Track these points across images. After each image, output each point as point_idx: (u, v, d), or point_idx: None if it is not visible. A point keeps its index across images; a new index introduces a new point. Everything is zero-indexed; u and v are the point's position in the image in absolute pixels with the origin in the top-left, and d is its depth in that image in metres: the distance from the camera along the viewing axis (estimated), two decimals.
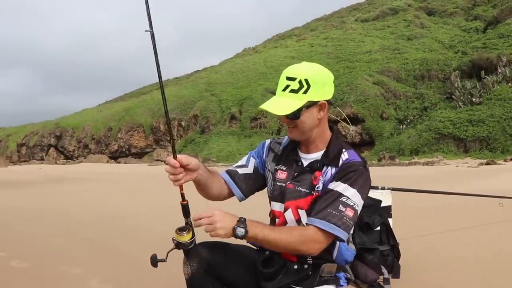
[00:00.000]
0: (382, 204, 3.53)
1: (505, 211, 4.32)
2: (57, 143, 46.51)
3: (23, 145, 50.00)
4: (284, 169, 1.93)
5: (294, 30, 60.19)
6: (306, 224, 1.74)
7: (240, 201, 2.06)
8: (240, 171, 2.04)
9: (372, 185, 3.75)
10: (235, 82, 39.51)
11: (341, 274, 1.93)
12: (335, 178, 1.77)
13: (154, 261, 1.86)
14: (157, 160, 31.13)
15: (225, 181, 2.03)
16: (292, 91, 1.75)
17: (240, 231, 1.63)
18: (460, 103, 24.25)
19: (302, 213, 1.82)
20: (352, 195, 1.72)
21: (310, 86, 1.75)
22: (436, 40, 36.09)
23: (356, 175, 1.75)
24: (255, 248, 1.97)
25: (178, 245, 1.75)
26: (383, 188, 3.65)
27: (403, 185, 4.44)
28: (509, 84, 23.83)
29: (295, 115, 1.76)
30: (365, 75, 30.58)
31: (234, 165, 2.09)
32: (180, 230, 1.75)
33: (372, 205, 3.49)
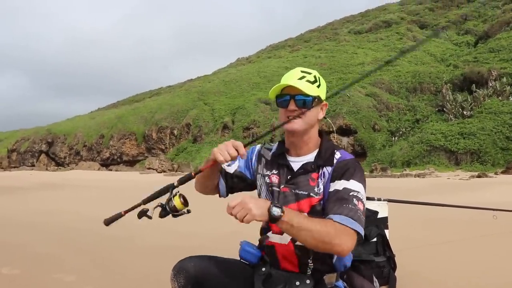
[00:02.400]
0: (379, 215, 3.53)
1: (499, 224, 4.34)
2: (48, 149, 46.08)
3: (14, 151, 49.46)
4: (276, 173, 1.92)
5: (288, 40, 60.50)
6: (328, 218, 1.69)
7: (220, 197, 2.12)
8: (227, 169, 2.06)
9: (367, 196, 3.77)
10: (228, 92, 39.54)
11: (340, 283, 1.93)
12: (335, 177, 1.79)
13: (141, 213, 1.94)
14: (149, 169, 30.94)
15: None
16: (309, 81, 1.81)
17: (276, 210, 1.55)
18: (452, 116, 24.46)
19: None
20: (358, 188, 1.75)
21: (320, 84, 1.84)
22: (428, 53, 36.48)
23: (354, 169, 1.79)
24: (246, 263, 1.95)
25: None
26: (379, 199, 3.65)
27: (396, 196, 4.46)
28: (500, 97, 24.11)
29: (309, 104, 1.80)
30: (357, 86, 30.75)
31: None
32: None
33: (368, 216, 3.49)
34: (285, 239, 1.84)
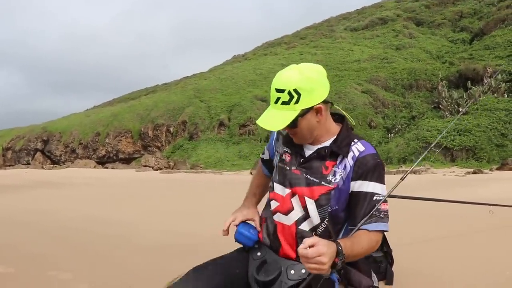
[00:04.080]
0: None
1: (495, 219, 4.36)
2: (44, 147, 45.90)
3: (9, 149, 49.27)
4: (290, 152, 1.91)
5: (284, 38, 60.38)
6: (362, 229, 1.74)
7: None
8: (264, 157, 2.17)
9: None
10: (224, 89, 39.48)
11: (334, 276, 1.92)
12: (360, 176, 1.77)
13: None
14: (145, 166, 30.85)
15: (265, 174, 2.17)
16: (284, 103, 1.74)
17: (340, 260, 1.59)
18: (447, 113, 24.52)
19: (309, 202, 1.80)
20: (381, 190, 1.79)
21: (300, 95, 1.72)
22: (424, 50, 36.52)
23: (379, 170, 1.80)
24: (244, 249, 1.95)
25: None
26: None
27: (393, 192, 4.45)
28: (495, 94, 24.18)
29: (292, 125, 1.76)
30: (354, 83, 30.79)
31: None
32: None
33: None
34: (290, 220, 1.83)
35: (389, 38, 41.69)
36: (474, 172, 16.83)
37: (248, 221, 2.05)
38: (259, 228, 2.00)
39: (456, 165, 20.92)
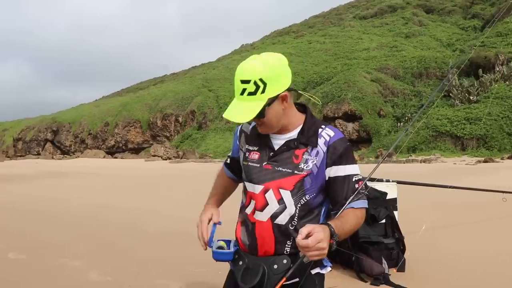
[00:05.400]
0: (388, 197, 3.48)
1: (508, 207, 4.29)
2: (53, 138, 46.28)
3: (20, 140, 49.74)
4: (256, 149, 1.88)
5: (292, 26, 60.02)
6: (349, 208, 1.74)
7: (238, 183, 2.12)
8: (230, 154, 2.11)
9: (376, 177, 3.71)
10: (233, 78, 39.10)
11: (326, 261, 1.90)
12: (335, 161, 1.76)
13: None
14: (154, 156, 30.99)
15: (228, 176, 2.11)
16: (250, 93, 1.72)
17: (334, 245, 1.59)
18: (458, 101, 24.27)
19: (284, 193, 1.78)
20: (356, 170, 1.79)
21: (266, 84, 1.71)
22: (434, 38, 36.10)
23: (350, 153, 1.81)
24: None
25: None
26: (388, 181, 3.60)
27: (409, 180, 4.40)
28: (507, 82, 23.84)
29: (260, 116, 1.74)
30: (363, 72, 30.54)
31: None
32: None
33: (377, 198, 3.45)
34: (265, 215, 1.82)
35: (398, 26, 41.24)
36: (485, 161, 16.69)
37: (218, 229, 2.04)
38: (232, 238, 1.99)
39: (466, 154, 20.75)
